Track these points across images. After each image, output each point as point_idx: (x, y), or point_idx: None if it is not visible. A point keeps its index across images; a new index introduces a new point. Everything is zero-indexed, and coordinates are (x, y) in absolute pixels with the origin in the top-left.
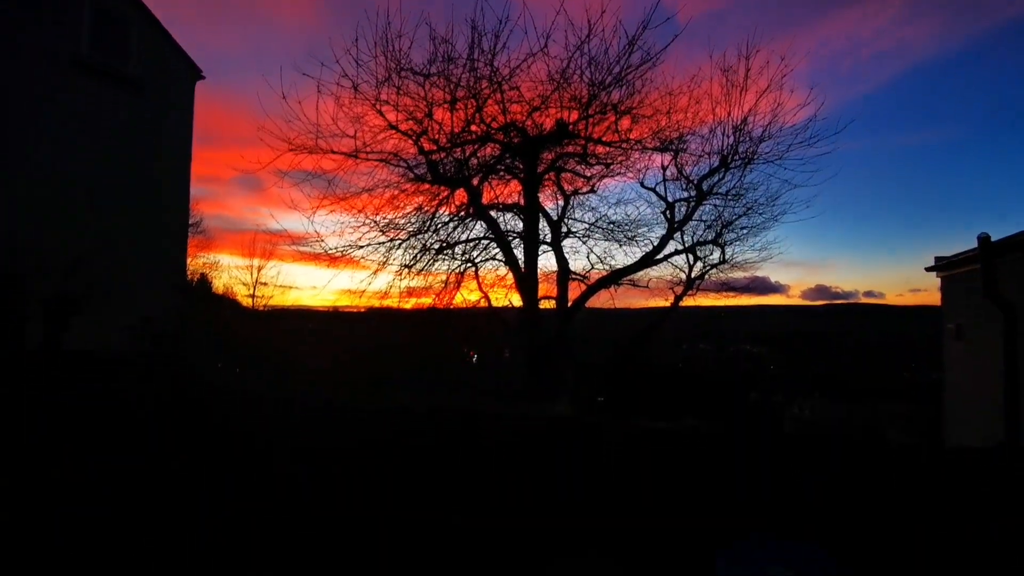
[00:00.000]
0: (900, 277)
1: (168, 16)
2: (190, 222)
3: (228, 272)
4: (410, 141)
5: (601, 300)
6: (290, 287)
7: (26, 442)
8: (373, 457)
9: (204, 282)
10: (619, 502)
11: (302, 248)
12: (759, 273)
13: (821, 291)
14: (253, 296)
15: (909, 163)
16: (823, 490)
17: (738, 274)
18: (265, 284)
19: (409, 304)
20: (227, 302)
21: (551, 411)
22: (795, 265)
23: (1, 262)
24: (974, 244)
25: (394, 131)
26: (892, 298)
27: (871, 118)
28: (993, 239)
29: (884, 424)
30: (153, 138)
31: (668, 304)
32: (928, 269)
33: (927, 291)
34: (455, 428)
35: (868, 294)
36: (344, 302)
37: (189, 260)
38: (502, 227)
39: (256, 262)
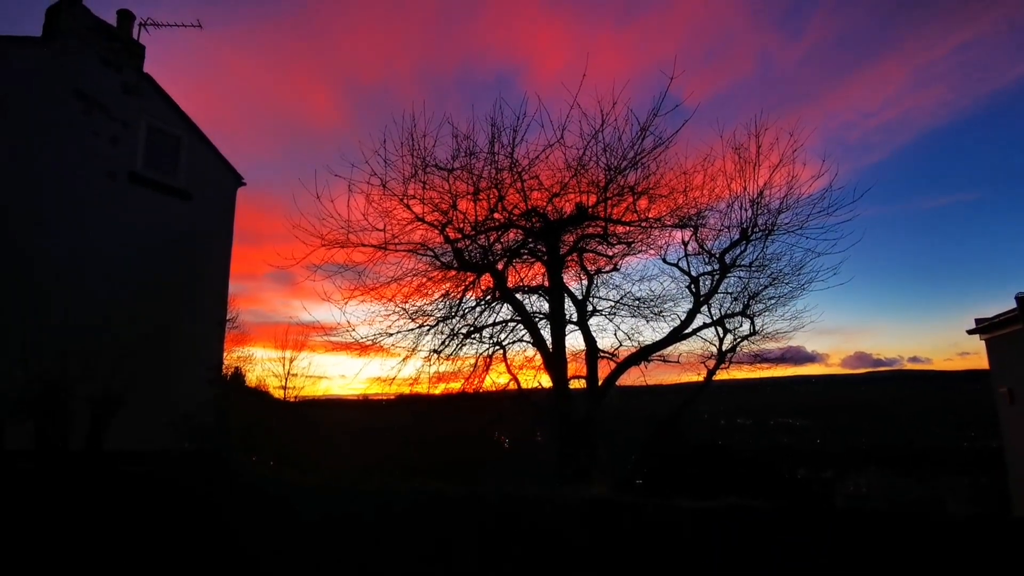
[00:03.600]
0: (947, 341)
1: (213, 128)
2: (227, 318)
3: (261, 365)
4: (436, 231)
5: (632, 377)
6: (320, 377)
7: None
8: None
9: (238, 376)
10: None
11: (333, 338)
12: (793, 343)
13: (862, 358)
14: (285, 388)
15: (937, 225)
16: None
17: (770, 345)
18: (296, 375)
19: (439, 389)
20: (259, 395)
21: (586, 493)
22: (831, 333)
23: (50, 365)
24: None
25: (421, 223)
26: (940, 363)
27: (890, 184)
28: None
29: (945, 497)
30: (197, 242)
31: (701, 379)
32: (970, 332)
33: (977, 354)
34: (489, 514)
35: (914, 359)
36: (375, 390)
37: (224, 355)
38: (528, 309)
39: (288, 354)
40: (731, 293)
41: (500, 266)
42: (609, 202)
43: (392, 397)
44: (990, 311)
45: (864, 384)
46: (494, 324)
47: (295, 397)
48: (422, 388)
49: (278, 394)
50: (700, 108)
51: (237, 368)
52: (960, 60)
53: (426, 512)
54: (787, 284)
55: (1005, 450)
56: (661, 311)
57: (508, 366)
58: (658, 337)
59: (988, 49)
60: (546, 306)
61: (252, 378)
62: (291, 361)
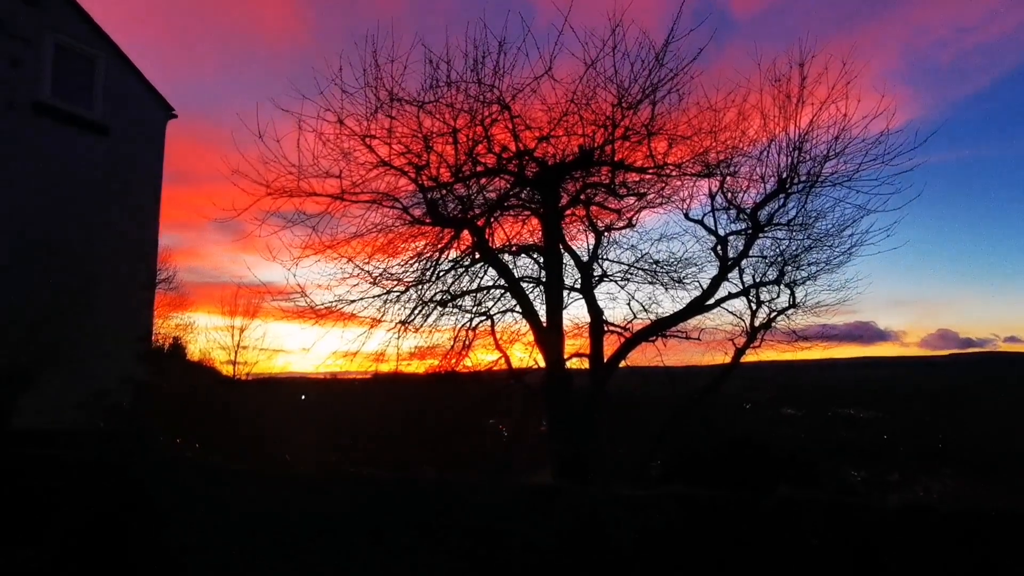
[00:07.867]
0: None
1: (138, 51)
2: (160, 277)
3: (205, 335)
4: (405, 179)
5: (648, 356)
6: (278, 351)
7: None
8: None
9: (177, 347)
10: None
11: (283, 304)
12: (861, 317)
13: (946, 337)
14: (234, 363)
15: None
16: None
17: (813, 320)
18: (247, 348)
19: (414, 367)
20: (203, 370)
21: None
22: (908, 305)
23: None
24: None
25: (387, 168)
26: None
27: (988, 120)
28: None
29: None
30: (119, 185)
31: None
32: None
33: None
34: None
35: (1011, 339)
36: (335, 367)
37: (159, 321)
38: (521, 272)
39: (238, 321)
40: (766, 257)
41: (481, 222)
42: (616, 143)
43: (368, 376)
44: None
45: (949, 368)
46: (477, 291)
47: (248, 374)
48: (390, 366)
49: (227, 370)
50: (744, 26)
51: (176, 338)
52: None
53: (363, 509)
54: (831, 247)
55: None
56: (682, 277)
57: (496, 341)
58: (677, 308)
59: None
60: (539, 270)
61: (194, 351)
62: (242, 331)
